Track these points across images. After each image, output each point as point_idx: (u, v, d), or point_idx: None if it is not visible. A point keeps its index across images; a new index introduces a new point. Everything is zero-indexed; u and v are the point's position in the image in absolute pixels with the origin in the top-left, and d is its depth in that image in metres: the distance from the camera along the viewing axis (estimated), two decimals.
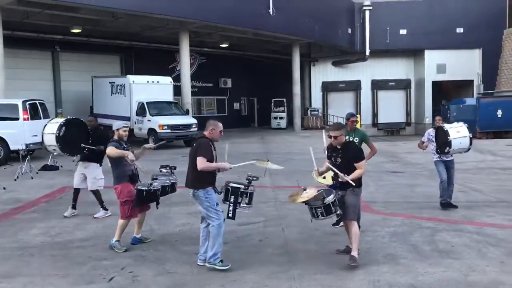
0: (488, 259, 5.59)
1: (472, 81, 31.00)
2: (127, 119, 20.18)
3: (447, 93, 32.16)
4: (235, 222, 5.84)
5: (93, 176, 7.78)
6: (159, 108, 20.33)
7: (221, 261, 5.28)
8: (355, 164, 5.46)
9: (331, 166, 5.50)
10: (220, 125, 5.51)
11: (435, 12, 30.17)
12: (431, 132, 8.40)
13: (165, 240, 6.54)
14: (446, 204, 8.20)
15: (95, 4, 17.76)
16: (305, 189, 5.36)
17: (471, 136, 7.81)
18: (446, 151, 7.82)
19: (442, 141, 7.85)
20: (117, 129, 6.25)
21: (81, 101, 23.98)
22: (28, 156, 12.69)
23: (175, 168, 6.47)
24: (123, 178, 6.09)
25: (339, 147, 5.53)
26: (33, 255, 5.95)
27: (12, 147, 14.36)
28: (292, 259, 5.68)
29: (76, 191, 7.95)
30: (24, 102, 14.90)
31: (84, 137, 7.63)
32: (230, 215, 5.36)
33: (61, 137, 7.41)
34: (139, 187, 5.95)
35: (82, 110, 23.79)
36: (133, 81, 20.45)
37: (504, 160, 15.19)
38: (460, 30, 30.53)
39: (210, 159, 5.29)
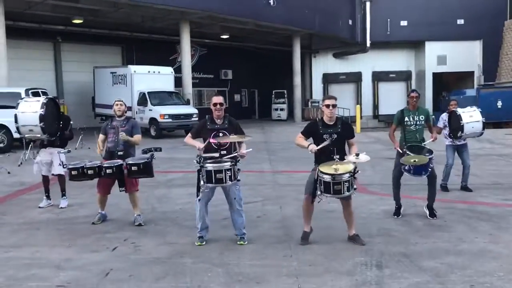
0: (477, 232, 5.79)
1: (472, 72, 31.09)
2: (129, 109, 20.39)
3: (448, 85, 32.25)
4: None
5: (61, 160, 7.28)
6: (160, 98, 20.51)
7: (199, 238, 5.43)
8: (351, 140, 5.50)
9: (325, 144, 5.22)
10: (213, 98, 5.43)
11: (436, 4, 30.19)
12: (444, 116, 8.42)
13: (167, 217, 6.77)
14: (464, 187, 8.43)
15: None
16: (357, 155, 5.15)
17: (484, 121, 7.83)
18: (458, 135, 7.88)
19: (455, 126, 7.93)
20: (111, 106, 6.55)
21: (83, 91, 24.20)
22: (31, 143, 12.87)
23: (160, 150, 6.41)
24: (105, 154, 6.39)
25: (331, 123, 5.38)
26: (39, 229, 6.19)
27: (15, 135, 14.54)
28: (289, 232, 5.89)
29: (46, 178, 7.54)
30: (27, 90, 15.08)
31: (57, 118, 7.25)
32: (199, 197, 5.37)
33: (44, 116, 6.75)
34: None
35: (83, 100, 24.06)
36: (134, 71, 20.63)
37: (502, 147, 15.34)
38: (460, 21, 30.58)
39: (194, 136, 5.53)
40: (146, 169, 6.04)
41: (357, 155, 5.14)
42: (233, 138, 5.33)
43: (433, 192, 6.63)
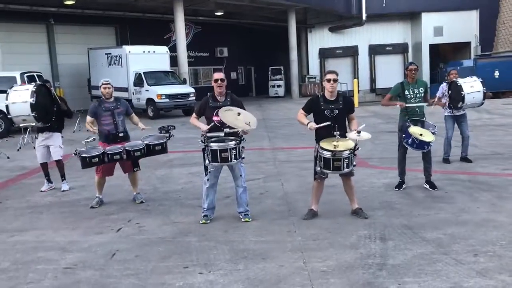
0: (479, 202, 5.84)
1: (469, 43, 30.80)
2: (125, 89, 20.27)
3: (445, 56, 32.05)
4: None
5: (58, 145, 7.40)
6: (156, 78, 20.36)
7: (204, 216, 5.46)
8: (351, 115, 5.46)
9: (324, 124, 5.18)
10: (215, 74, 5.41)
11: None
12: (444, 86, 8.34)
13: (169, 197, 6.79)
14: (463, 158, 8.44)
15: None
16: (359, 132, 5.10)
17: (485, 91, 7.72)
18: (459, 106, 7.81)
19: (456, 96, 7.82)
20: (99, 87, 6.42)
21: (78, 73, 23.99)
22: (29, 128, 12.82)
23: (174, 128, 6.45)
24: (100, 137, 6.34)
25: (333, 98, 5.32)
26: (42, 213, 6.22)
27: None
28: (292, 208, 5.93)
29: (44, 165, 7.53)
30: (22, 74, 14.99)
31: (50, 103, 7.05)
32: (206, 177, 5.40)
33: (36, 105, 6.52)
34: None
35: (79, 82, 23.89)
36: (129, 52, 20.43)
37: (500, 117, 15.36)
38: None
39: (198, 115, 5.49)
40: (165, 148, 6.29)
41: (359, 132, 5.11)
42: (238, 120, 5.20)
43: (428, 167, 6.65)
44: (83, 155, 5.86)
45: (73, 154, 5.97)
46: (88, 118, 6.38)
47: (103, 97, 6.38)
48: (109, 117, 6.26)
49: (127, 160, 6.18)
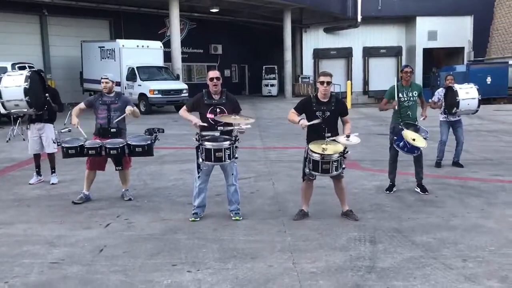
0: (469, 207, 5.85)
1: (463, 48, 31.06)
2: (118, 84, 20.12)
3: (438, 61, 32.26)
4: None
5: (51, 137, 7.16)
6: (149, 73, 20.28)
7: (193, 213, 5.43)
8: (345, 118, 5.44)
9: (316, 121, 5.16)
10: (210, 73, 5.33)
11: None
12: (440, 92, 8.41)
13: (159, 193, 6.73)
14: (455, 163, 8.47)
15: None
16: (348, 136, 5.10)
17: (480, 98, 7.83)
18: (453, 111, 7.88)
19: (450, 101, 7.89)
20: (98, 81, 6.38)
21: (71, 66, 23.81)
22: (19, 119, 12.68)
23: (162, 131, 6.29)
24: (96, 131, 6.26)
25: (325, 100, 5.30)
26: (30, 206, 6.13)
27: (2, 111, 14.29)
28: (282, 207, 5.91)
29: (37, 156, 7.46)
30: (13, 64, 14.84)
31: (43, 91, 7.00)
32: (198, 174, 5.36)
33: (29, 90, 6.49)
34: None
35: (71, 75, 23.70)
36: (123, 46, 20.33)
37: (491, 123, 15.47)
38: None
39: (190, 109, 5.41)
40: (149, 150, 6.08)
41: (348, 136, 5.11)
42: (235, 119, 5.18)
43: (419, 170, 6.65)
44: (62, 145, 5.91)
45: (52, 142, 5.91)
46: (80, 105, 6.31)
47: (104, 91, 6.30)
48: (105, 111, 6.17)
49: (106, 156, 6.03)
